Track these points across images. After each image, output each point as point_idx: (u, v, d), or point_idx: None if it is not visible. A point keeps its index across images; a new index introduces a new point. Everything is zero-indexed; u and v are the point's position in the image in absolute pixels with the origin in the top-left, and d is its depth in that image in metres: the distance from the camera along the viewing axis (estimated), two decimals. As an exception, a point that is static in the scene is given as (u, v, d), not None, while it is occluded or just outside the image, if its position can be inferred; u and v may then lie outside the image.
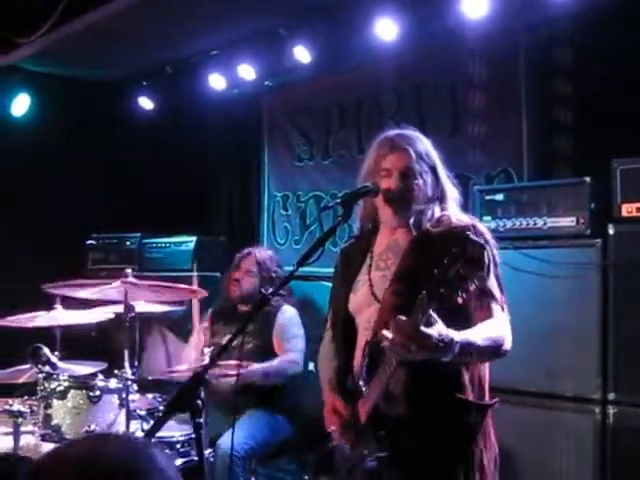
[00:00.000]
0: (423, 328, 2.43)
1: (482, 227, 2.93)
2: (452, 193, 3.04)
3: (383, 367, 2.69)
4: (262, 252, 5.59)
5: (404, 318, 2.46)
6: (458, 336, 2.55)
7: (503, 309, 2.84)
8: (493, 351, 2.75)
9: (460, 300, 2.44)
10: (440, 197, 2.99)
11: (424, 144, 3.03)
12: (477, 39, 5.48)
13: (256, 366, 4.91)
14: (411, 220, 2.97)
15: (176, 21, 6.18)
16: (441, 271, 2.40)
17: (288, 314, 5.26)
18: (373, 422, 2.78)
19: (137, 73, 7.58)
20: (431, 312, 2.45)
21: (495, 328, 2.77)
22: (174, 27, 6.31)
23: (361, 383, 2.85)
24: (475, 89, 5.68)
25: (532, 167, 5.35)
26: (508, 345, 2.79)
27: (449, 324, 2.53)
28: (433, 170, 2.99)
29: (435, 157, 3.01)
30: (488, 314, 2.79)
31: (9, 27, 6.48)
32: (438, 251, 2.74)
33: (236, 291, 5.34)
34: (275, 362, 5.04)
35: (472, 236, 2.43)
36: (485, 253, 2.46)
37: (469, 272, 2.39)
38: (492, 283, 2.80)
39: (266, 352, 5.07)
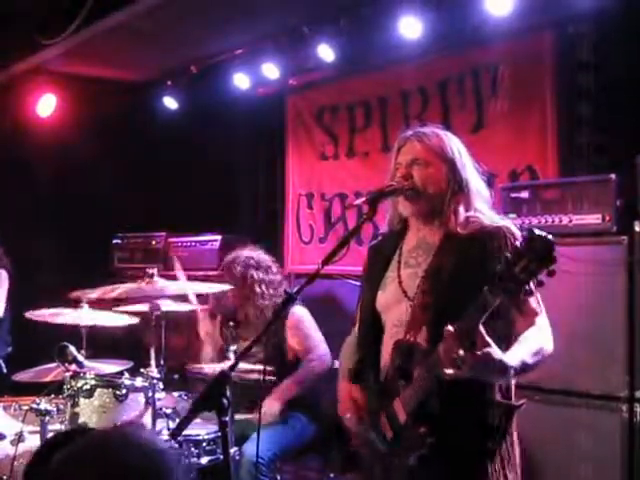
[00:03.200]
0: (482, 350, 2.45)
1: (514, 228, 2.90)
2: (479, 190, 3.00)
3: (419, 368, 2.70)
4: (240, 255, 5.38)
5: (455, 327, 2.47)
6: (512, 361, 2.56)
7: (542, 312, 2.83)
8: (540, 363, 2.74)
9: (522, 296, 2.44)
10: (462, 192, 2.95)
11: (440, 138, 3.00)
12: (501, 36, 5.45)
13: (287, 383, 4.93)
14: (433, 216, 2.96)
15: (200, 21, 6.20)
16: (504, 267, 2.36)
17: (299, 312, 5.13)
18: (413, 421, 2.77)
19: (161, 73, 7.61)
20: (484, 333, 2.45)
21: (541, 338, 2.76)
22: (198, 27, 6.33)
23: (395, 382, 2.84)
24: (500, 86, 5.66)
25: (557, 164, 5.32)
26: (551, 349, 2.79)
27: (491, 334, 2.52)
28: (450, 163, 2.97)
29: (456, 152, 2.98)
30: (531, 321, 2.78)
31: (35, 28, 6.53)
32: (471, 252, 2.73)
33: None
34: (302, 368, 5.03)
35: (537, 230, 2.37)
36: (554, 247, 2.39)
37: (539, 266, 2.33)
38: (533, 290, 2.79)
39: (277, 358, 4.98)
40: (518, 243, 2.36)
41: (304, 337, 5.08)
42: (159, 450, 1.49)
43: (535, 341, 2.73)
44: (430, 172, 2.93)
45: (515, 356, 2.61)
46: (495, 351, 2.49)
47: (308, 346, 5.08)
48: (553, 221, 4.53)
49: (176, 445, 4.09)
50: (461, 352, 2.45)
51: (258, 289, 5.16)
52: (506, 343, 2.69)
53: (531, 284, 2.36)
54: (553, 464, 4.33)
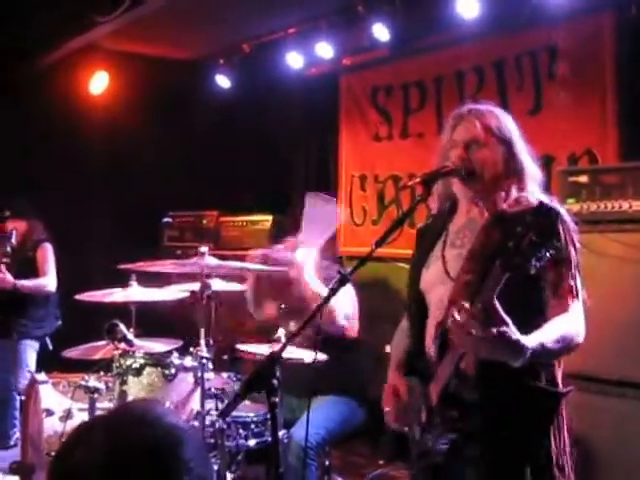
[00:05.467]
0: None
1: (563, 211, 2.80)
2: (532, 173, 2.92)
3: (452, 348, 2.63)
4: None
5: (467, 305, 2.41)
6: (530, 342, 2.47)
7: (578, 299, 2.73)
8: (564, 351, 2.65)
9: (533, 271, 2.35)
10: (517, 174, 2.87)
11: (497, 118, 2.92)
12: (561, 16, 5.33)
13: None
14: (486, 198, 2.88)
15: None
16: (514, 241, 2.32)
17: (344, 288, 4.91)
18: (444, 404, 2.72)
19: (214, 51, 7.59)
20: (500, 310, 2.38)
21: (569, 325, 2.66)
22: (252, 5, 6.28)
23: (434, 364, 2.79)
24: (558, 68, 5.53)
25: (618, 148, 5.20)
26: (581, 339, 2.69)
27: (523, 320, 2.45)
28: (507, 145, 2.88)
29: (512, 133, 2.90)
30: (563, 308, 2.68)
31: (88, 6, 6.53)
32: (515, 230, 2.65)
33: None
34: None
35: (545, 204, 2.32)
36: (559, 223, 2.38)
37: (543, 240, 2.29)
38: (570, 272, 2.69)
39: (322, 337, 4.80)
40: (528, 216, 2.30)
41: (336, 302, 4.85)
42: (167, 425, 1.47)
43: (562, 327, 2.64)
44: (487, 154, 2.86)
45: (535, 339, 2.51)
46: (511, 330, 2.41)
47: (339, 305, 4.78)
48: (612, 207, 4.40)
49: (224, 426, 4.08)
50: (475, 330, 2.38)
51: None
52: (538, 324, 2.61)
53: (545, 257, 2.30)
54: (608, 457, 4.21)
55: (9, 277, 6.13)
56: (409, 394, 2.98)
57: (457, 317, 2.41)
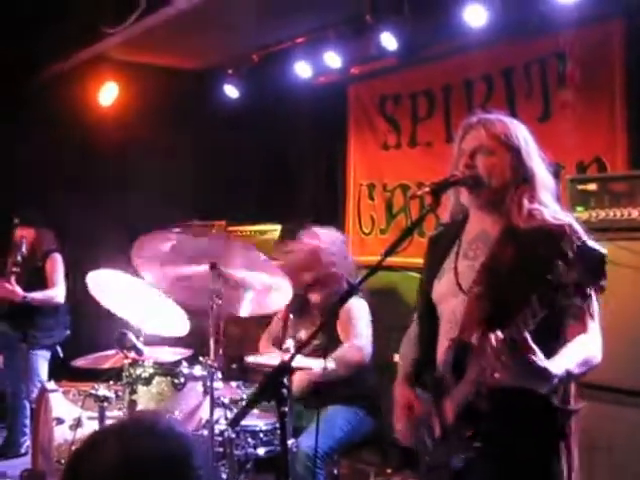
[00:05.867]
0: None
1: (577, 226, 2.79)
2: (544, 181, 2.89)
3: (472, 368, 2.63)
4: (332, 233, 5.32)
5: (500, 335, 2.40)
6: (557, 368, 2.48)
7: (595, 318, 2.72)
8: (586, 373, 2.66)
9: (575, 310, 2.37)
10: (527, 182, 2.85)
11: (506, 125, 2.90)
12: (569, 24, 5.32)
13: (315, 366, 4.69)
14: (497, 208, 2.87)
15: (262, 8, 6.17)
16: (556, 276, 2.30)
17: (356, 304, 4.98)
18: (461, 422, 2.70)
19: (223, 61, 7.61)
20: (528, 339, 2.38)
21: (590, 346, 2.67)
22: (260, 15, 6.30)
23: (448, 380, 2.77)
24: (567, 75, 5.53)
25: (627, 156, 5.18)
26: (599, 359, 2.69)
27: (541, 342, 2.44)
28: (515, 152, 2.86)
29: (521, 140, 2.88)
30: (582, 328, 2.68)
31: (97, 17, 6.57)
32: (531, 248, 2.65)
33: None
34: (336, 351, 4.83)
35: (590, 242, 2.29)
36: (604, 265, 2.30)
37: (589, 281, 2.28)
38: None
39: (330, 349, 4.80)
40: (570, 253, 2.28)
41: (350, 325, 4.92)
42: (178, 435, 1.50)
43: (584, 350, 2.64)
44: (494, 161, 2.84)
45: (560, 364, 2.52)
46: (540, 359, 2.41)
47: (350, 334, 4.91)
48: (622, 215, 4.39)
49: (234, 435, 4.08)
50: (505, 359, 2.38)
51: (335, 279, 5.10)
52: (554, 346, 2.62)
53: (584, 301, 2.30)
54: (624, 468, 4.17)
55: (18, 289, 6.17)
56: (422, 406, 2.96)
57: (492, 341, 2.40)
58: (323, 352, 4.37)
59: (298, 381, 4.72)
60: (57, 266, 6.43)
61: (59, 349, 6.41)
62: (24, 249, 6.26)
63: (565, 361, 2.56)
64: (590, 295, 2.33)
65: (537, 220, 2.77)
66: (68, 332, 6.53)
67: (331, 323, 4.85)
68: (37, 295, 6.25)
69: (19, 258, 6.25)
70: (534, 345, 2.40)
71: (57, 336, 6.46)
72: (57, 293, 6.36)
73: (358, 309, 5.01)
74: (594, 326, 2.70)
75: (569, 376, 2.56)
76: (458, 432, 2.71)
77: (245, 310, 4.43)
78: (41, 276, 6.40)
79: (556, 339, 2.66)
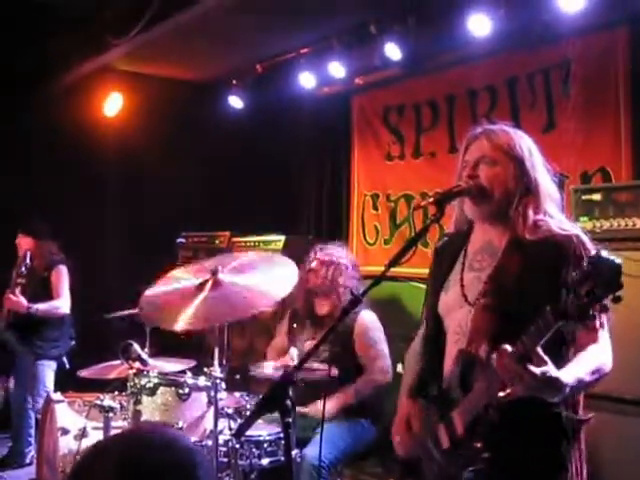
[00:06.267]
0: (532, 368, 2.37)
1: (585, 236, 2.78)
2: (549, 192, 2.87)
3: (480, 380, 2.63)
4: (337, 248, 5.40)
5: (509, 348, 2.39)
6: (568, 378, 2.47)
7: (605, 328, 2.71)
8: (597, 382, 2.65)
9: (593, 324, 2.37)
10: (531, 193, 2.83)
11: (509, 136, 2.89)
12: (573, 33, 5.33)
13: (347, 390, 4.88)
14: (501, 219, 2.86)
15: (266, 20, 6.19)
16: (569, 289, 2.27)
17: (369, 318, 5.05)
18: (471, 434, 2.69)
19: (227, 72, 7.63)
20: (540, 351, 2.37)
21: (600, 356, 2.66)
22: (264, 26, 6.32)
23: (456, 393, 2.77)
24: (571, 85, 5.53)
25: (632, 166, 5.18)
26: (609, 368, 2.69)
27: (551, 351, 2.44)
28: (519, 162, 2.85)
29: (525, 151, 2.86)
30: (593, 338, 2.66)
31: (102, 28, 6.59)
32: (538, 259, 2.65)
33: (309, 282, 5.22)
34: (362, 380, 4.96)
35: (604, 253, 2.27)
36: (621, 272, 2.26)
37: (606, 292, 2.24)
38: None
39: (343, 360, 4.87)
40: (585, 263, 2.27)
41: (370, 346, 5.00)
42: (186, 447, 1.48)
43: (595, 359, 2.63)
44: (497, 171, 2.83)
45: (572, 374, 2.51)
46: (551, 369, 2.41)
47: (372, 356, 4.99)
48: (626, 225, 4.39)
49: (237, 445, 4.07)
50: (517, 370, 2.37)
51: (342, 289, 5.12)
52: (565, 356, 2.62)
53: (600, 312, 2.29)
54: (624, 477, 4.18)
55: (23, 300, 6.19)
56: (425, 417, 2.94)
57: (506, 349, 2.39)
58: (330, 360, 4.40)
59: (330, 408, 4.76)
60: (62, 277, 6.45)
61: (65, 360, 6.42)
62: (28, 261, 6.28)
63: (576, 370, 2.55)
64: (606, 307, 2.33)
65: (543, 231, 2.76)
66: (73, 343, 6.54)
67: (344, 336, 4.91)
68: (42, 306, 6.27)
69: (23, 269, 6.28)
70: (545, 356, 2.40)
71: (63, 347, 6.48)
72: (61, 304, 6.37)
73: (373, 326, 5.07)
74: (604, 335, 2.69)
75: (581, 385, 2.56)
76: (468, 444, 2.70)
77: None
78: (46, 287, 6.41)
79: (566, 348, 2.65)
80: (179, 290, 3.76)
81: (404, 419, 3.03)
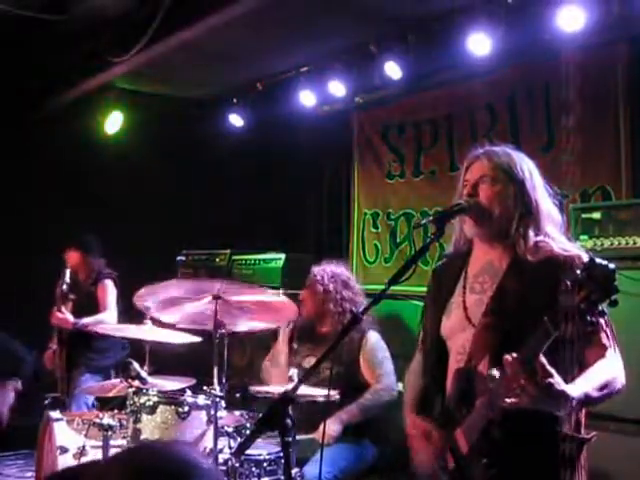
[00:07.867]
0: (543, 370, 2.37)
1: (587, 257, 2.76)
2: (550, 213, 2.88)
3: (482, 396, 2.62)
4: (325, 269, 5.39)
5: (515, 355, 2.39)
6: (575, 392, 2.47)
7: (612, 343, 2.71)
8: (607, 397, 2.64)
9: (589, 329, 2.36)
10: (531, 214, 2.84)
11: (509, 157, 2.90)
12: (574, 53, 5.36)
13: (352, 408, 4.89)
14: (501, 239, 2.86)
15: (266, 38, 6.21)
16: (568, 298, 2.29)
17: (374, 338, 5.11)
18: (475, 451, 2.68)
19: (227, 90, 7.65)
20: (545, 363, 2.37)
21: (608, 371, 2.65)
22: (265, 44, 6.34)
23: (459, 411, 2.76)
24: (571, 104, 5.54)
25: (631, 185, 5.18)
26: (621, 385, 2.68)
27: (556, 364, 2.43)
28: (519, 182, 2.85)
29: (526, 172, 2.87)
30: (601, 353, 2.67)
31: (103, 46, 6.61)
32: (540, 280, 2.64)
33: (302, 311, 5.21)
34: (369, 394, 4.97)
35: (597, 259, 2.28)
36: (615, 279, 2.27)
37: (601, 298, 2.26)
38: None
39: (344, 379, 4.87)
40: (579, 271, 2.27)
41: (376, 365, 5.05)
42: (190, 460, 1.47)
43: (602, 374, 2.63)
44: (497, 190, 2.84)
45: (579, 388, 2.51)
46: (557, 382, 2.40)
47: (378, 374, 5.04)
48: (627, 243, 4.38)
49: (237, 464, 4.06)
50: (522, 381, 2.37)
51: (341, 308, 5.14)
52: (571, 371, 2.58)
53: (598, 318, 2.28)
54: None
55: (69, 317, 6.23)
56: (430, 438, 2.93)
57: (514, 355, 2.39)
58: (330, 380, 4.40)
59: (328, 429, 4.75)
60: (108, 290, 6.49)
61: (112, 372, 6.41)
62: (67, 279, 6.33)
63: (583, 385, 2.54)
64: (604, 311, 2.32)
65: (545, 252, 2.76)
66: (127, 352, 6.51)
67: (350, 356, 4.96)
68: (87, 320, 6.28)
69: (65, 287, 6.33)
70: (551, 368, 2.39)
71: (113, 357, 6.48)
72: (106, 317, 6.38)
73: (379, 346, 5.11)
74: (613, 352, 2.69)
75: (588, 399, 2.55)
76: (473, 462, 2.69)
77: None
78: (93, 301, 6.45)
79: (571, 364, 2.64)
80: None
81: (422, 437, 2.97)
